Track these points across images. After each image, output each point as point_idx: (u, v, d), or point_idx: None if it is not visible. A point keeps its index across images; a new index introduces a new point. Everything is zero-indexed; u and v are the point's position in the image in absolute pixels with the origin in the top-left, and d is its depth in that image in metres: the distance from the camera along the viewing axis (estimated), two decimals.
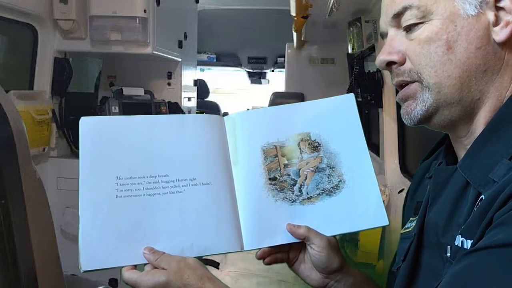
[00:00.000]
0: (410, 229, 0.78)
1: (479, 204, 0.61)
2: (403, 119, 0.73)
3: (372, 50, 2.70)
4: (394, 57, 0.71)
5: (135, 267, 0.77)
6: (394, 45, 0.71)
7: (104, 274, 2.48)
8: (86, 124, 0.84)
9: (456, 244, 0.63)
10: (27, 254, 0.92)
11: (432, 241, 0.71)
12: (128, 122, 0.87)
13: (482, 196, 0.61)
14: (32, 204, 0.93)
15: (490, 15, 0.66)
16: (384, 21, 0.73)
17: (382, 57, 0.72)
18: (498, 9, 0.66)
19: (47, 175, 2.52)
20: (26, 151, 0.93)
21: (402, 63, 0.70)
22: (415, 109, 0.70)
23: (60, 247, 1.06)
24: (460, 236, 0.62)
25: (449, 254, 0.64)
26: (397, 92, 0.75)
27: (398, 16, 0.70)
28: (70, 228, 2.49)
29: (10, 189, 0.88)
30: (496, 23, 0.66)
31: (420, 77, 0.69)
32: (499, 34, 0.65)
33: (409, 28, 0.69)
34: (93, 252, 0.77)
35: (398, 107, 2.46)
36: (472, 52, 0.66)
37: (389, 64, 0.72)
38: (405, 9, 0.69)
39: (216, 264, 2.58)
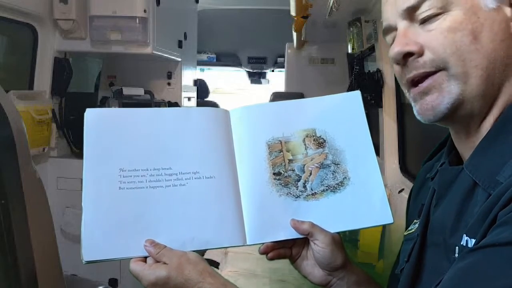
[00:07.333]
0: (413, 230, 0.77)
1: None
2: (422, 116, 0.68)
3: (372, 50, 2.70)
4: (413, 48, 0.66)
5: (144, 259, 0.77)
6: (409, 36, 0.67)
7: (104, 274, 2.49)
8: (91, 115, 0.84)
9: (461, 243, 0.62)
10: (27, 254, 0.92)
11: (437, 241, 0.70)
12: (133, 114, 0.87)
13: None
14: (32, 204, 0.93)
15: (507, 11, 0.65)
16: (393, 14, 0.70)
17: (398, 48, 0.67)
18: None
19: (47, 175, 2.52)
20: (26, 151, 0.93)
21: (421, 54, 0.66)
22: (442, 102, 0.65)
23: (60, 247, 1.06)
24: (465, 235, 0.61)
25: (457, 255, 0.63)
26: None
27: (412, 8, 0.67)
28: (70, 228, 2.49)
29: (10, 189, 0.88)
30: None
31: (446, 65, 0.65)
32: None
33: (424, 20, 0.66)
34: (95, 243, 0.77)
35: (398, 107, 2.48)
36: (497, 44, 0.64)
37: (405, 56, 0.68)
38: (420, 2, 0.66)
39: (216, 264, 2.57)
